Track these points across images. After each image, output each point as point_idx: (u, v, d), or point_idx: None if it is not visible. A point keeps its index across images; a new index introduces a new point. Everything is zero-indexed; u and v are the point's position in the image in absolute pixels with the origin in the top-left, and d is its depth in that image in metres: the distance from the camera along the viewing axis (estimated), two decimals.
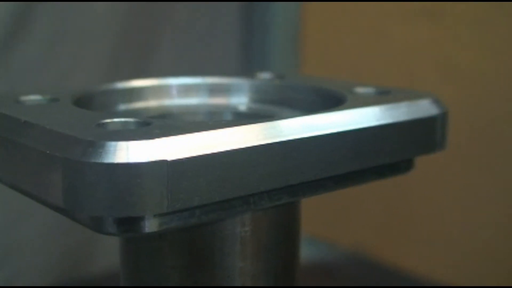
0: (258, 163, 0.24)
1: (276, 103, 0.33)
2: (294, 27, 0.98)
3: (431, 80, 0.82)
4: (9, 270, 0.79)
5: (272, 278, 0.28)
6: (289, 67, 0.99)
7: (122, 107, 0.33)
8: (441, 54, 0.82)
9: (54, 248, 0.82)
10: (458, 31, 0.80)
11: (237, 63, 0.99)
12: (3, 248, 0.79)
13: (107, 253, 0.83)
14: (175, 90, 0.34)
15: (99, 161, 0.21)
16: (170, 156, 0.22)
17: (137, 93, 0.33)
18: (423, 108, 0.28)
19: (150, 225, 0.23)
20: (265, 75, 0.35)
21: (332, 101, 0.29)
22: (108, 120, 0.24)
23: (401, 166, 0.29)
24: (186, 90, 0.34)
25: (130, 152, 0.21)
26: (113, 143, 0.21)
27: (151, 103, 0.33)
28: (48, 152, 0.23)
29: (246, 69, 0.98)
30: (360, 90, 0.31)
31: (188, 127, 0.23)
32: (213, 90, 0.34)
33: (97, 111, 0.30)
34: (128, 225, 0.23)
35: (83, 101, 0.30)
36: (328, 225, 0.96)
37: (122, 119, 0.25)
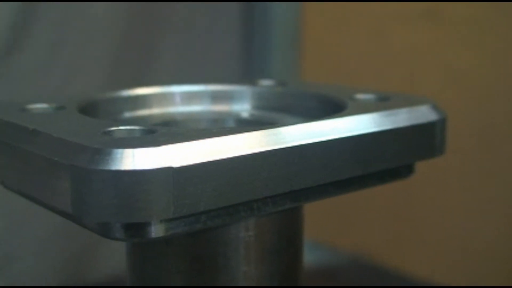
0: (261, 169, 0.24)
1: (278, 110, 0.34)
2: (294, 29, 0.99)
3: (432, 83, 0.83)
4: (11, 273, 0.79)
5: (276, 282, 0.28)
6: (290, 70, 0.99)
7: (127, 114, 0.33)
8: (442, 57, 0.82)
9: (59, 251, 0.82)
10: (459, 33, 0.80)
11: (237, 66, 0.99)
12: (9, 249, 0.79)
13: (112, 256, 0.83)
14: (179, 97, 0.34)
15: (106, 168, 0.22)
16: (175, 163, 0.22)
17: (141, 101, 0.34)
18: (423, 114, 0.29)
19: (157, 231, 0.23)
20: (267, 82, 0.36)
21: (333, 108, 0.30)
22: (114, 128, 0.25)
23: (401, 171, 0.29)
24: (189, 98, 0.35)
25: (136, 159, 0.22)
26: (119, 150, 0.22)
27: (155, 110, 0.34)
28: (56, 159, 0.23)
29: (247, 71, 0.99)
30: (361, 96, 0.31)
31: (193, 134, 0.23)
32: (216, 97, 0.35)
33: (103, 119, 0.31)
34: (135, 230, 0.23)
35: (89, 109, 0.30)
36: (330, 230, 0.96)
37: (128, 127, 0.25)
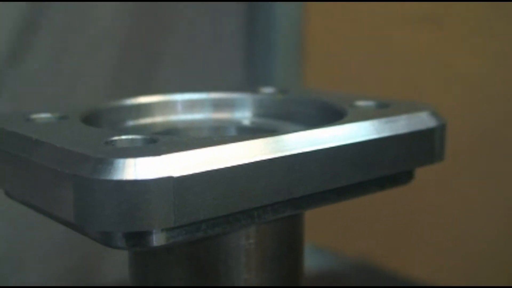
0: (261, 177, 0.24)
1: (279, 117, 0.34)
2: (297, 34, 0.99)
3: (432, 87, 0.83)
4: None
5: None
6: (293, 74, 1.00)
7: (130, 123, 0.33)
8: (442, 61, 0.82)
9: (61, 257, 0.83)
10: (459, 37, 0.81)
11: (240, 71, 1.00)
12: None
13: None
14: (181, 105, 0.35)
15: (108, 178, 0.22)
16: (176, 172, 0.22)
17: (143, 109, 0.34)
18: (422, 120, 0.29)
19: (158, 239, 0.24)
20: (268, 90, 0.36)
21: (333, 115, 0.30)
22: (116, 138, 0.25)
23: (401, 177, 0.30)
24: (191, 106, 0.35)
25: (137, 168, 0.22)
26: (121, 160, 0.22)
27: (157, 118, 0.34)
28: (59, 169, 0.23)
29: (249, 77, 0.99)
30: (361, 103, 0.31)
31: (194, 143, 0.24)
32: (218, 105, 0.35)
33: (105, 128, 0.31)
34: (137, 239, 0.23)
35: (92, 118, 0.31)
36: (333, 234, 0.96)
37: (130, 136, 0.25)
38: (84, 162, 0.23)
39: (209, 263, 0.27)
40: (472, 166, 0.80)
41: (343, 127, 0.27)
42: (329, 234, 0.95)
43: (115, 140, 0.25)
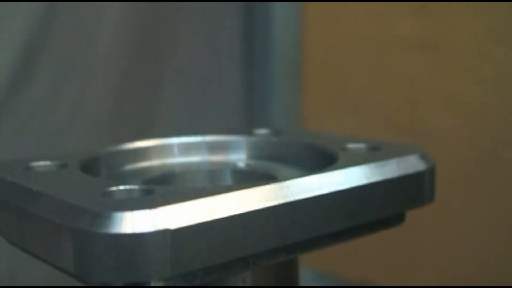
0: (256, 226, 0.25)
1: (273, 160, 0.35)
2: (295, 60, 1.00)
3: (430, 111, 0.84)
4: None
5: None
6: (291, 100, 1.00)
7: (128, 167, 0.34)
8: (441, 86, 0.83)
9: None
10: (456, 62, 0.82)
11: (238, 101, 1.01)
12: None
13: None
14: (177, 148, 0.36)
15: (106, 231, 0.23)
16: (173, 225, 0.23)
17: (141, 153, 0.35)
18: (412, 164, 0.30)
19: None
20: (262, 131, 0.37)
21: (325, 158, 0.31)
22: (114, 188, 0.26)
23: (392, 220, 0.30)
24: (187, 149, 0.36)
25: (135, 222, 0.23)
26: (119, 213, 0.23)
27: (155, 162, 0.35)
28: (58, 221, 0.24)
29: (248, 105, 1.00)
30: (352, 146, 0.32)
31: (189, 194, 0.25)
32: (213, 148, 0.36)
33: (103, 176, 0.32)
34: None
35: (90, 165, 0.31)
36: (332, 258, 0.97)
37: (127, 187, 0.26)
38: (83, 215, 0.24)
39: None
40: (473, 190, 0.81)
41: (334, 173, 0.28)
42: (329, 259, 0.95)
43: (113, 191, 0.26)
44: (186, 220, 0.23)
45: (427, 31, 0.84)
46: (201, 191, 0.25)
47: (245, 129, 0.38)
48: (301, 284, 0.32)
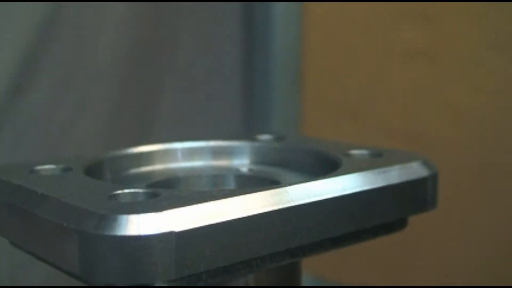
0: (260, 230, 0.25)
1: (276, 165, 0.35)
2: (294, 67, 1.01)
3: (431, 119, 0.84)
4: None
5: None
6: (290, 108, 1.01)
7: (131, 171, 0.34)
8: (440, 93, 0.83)
9: None
10: (453, 71, 0.82)
11: (239, 108, 1.01)
12: None
13: None
14: (180, 153, 0.36)
15: (112, 233, 0.23)
16: (178, 227, 0.23)
17: (144, 158, 0.35)
18: (414, 170, 0.30)
19: None
20: (265, 137, 0.37)
21: (328, 164, 0.31)
22: (119, 192, 0.26)
23: (395, 225, 0.31)
24: (190, 154, 0.36)
25: (140, 224, 0.23)
26: (124, 216, 0.23)
27: (158, 166, 0.35)
28: (64, 224, 0.24)
29: (248, 114, 1.00)
30: (355, 152, 0.32)
31: (194, 198, 0.25)
32: (216, 153, 0.36)
33: (108, 180, 0.32)
34: None
35: (94, 169, 0.32)
36: (331, 264, 0.97)
37: (132, 190, 0.26)
38: (89, 217, 0.24)
39: None
40: (473, 198, 0.81)
41: (338, 179, 0.28)
42: (327, 264, 0.95)
43: (118, 194, 0.26)
44: (191, 223, 0.24)
45: (427, 40, 0.84)
46: (206, 195, 0.25)
47: (247, 134, 0.38)
48: None
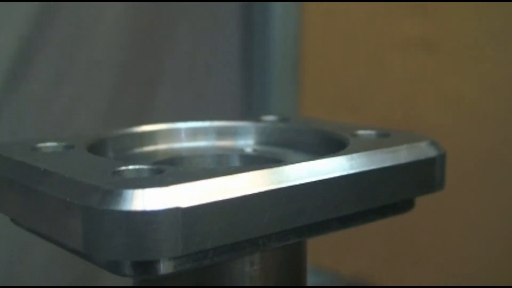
0: (266, 207, 0.25)
1: (281, 145, 0.35)
2: (293, 59, 1.00)
3: (430, 111, 0.84)
4: None
5: None
6: (289, 99, 1.00)
7: (135, 150, 0.34)
8: (439, 85, 0.83)
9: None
10: (453, 61, 0.82)
11: (238, 97, 1.00)
12: None
13: None
14: (184, 133, 0.35)
15: (117, 208, 0.22)
16: (183, 203, 0.23)
17: (147, 137, 0.34)
18: (422, 150, 0.30)
19: (165, 267, 0.24)
20: (270, 118, 0.37)
21: (335, 144, 0.31)
22: (123, 168, 0.26)
23: (402, 206, 0.30)
24: (194, 134, 0.35)
25: (145, 199, 0.23)
26: (129, 191, 0.23)
27: (161, 146, 0.35)
28: (68, 199, 0.24)
29: (248, 103, 1.00)
30: (361, 132, 0.32)
31: (200, 174, 0.24)
32: (220, 133, 0.36)
33: (112, 158, 0.32)
34: (144, 267, 0.24)
35: (97, 147, 0.31)
36: (328, 253, 0.97)
37: (137, 166, 0.26)
38: (93, 192, 0.23)
39: None
40: (472, 190, 0.81)
41: (346, 157, 0.27)
42: (325, 253, 0.95)
43: (123, 170, 0.26)
44: (197, 199, 0.23)
45: (426, 31, 0.84)
46: (212, 171, 0.25)
47: (252, 115, 0.37)
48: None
